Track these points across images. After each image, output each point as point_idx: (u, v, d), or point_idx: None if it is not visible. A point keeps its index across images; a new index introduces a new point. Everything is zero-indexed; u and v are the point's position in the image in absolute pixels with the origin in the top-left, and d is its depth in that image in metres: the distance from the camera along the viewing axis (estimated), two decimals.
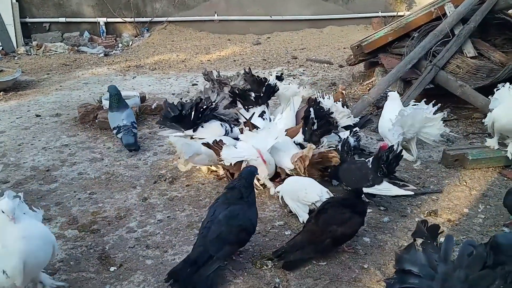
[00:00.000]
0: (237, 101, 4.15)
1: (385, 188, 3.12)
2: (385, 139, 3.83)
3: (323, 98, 3.86)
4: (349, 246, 2.70)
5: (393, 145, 3.22)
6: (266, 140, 3.39)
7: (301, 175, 3.24)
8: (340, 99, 4.01)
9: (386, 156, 3.12)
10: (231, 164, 3.29)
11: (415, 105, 3.79)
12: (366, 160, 3.25)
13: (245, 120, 3.92)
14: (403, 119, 3.64)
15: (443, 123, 3.73)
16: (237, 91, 4.08)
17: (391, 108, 3.86)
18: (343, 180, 3.30)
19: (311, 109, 3.53)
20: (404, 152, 3.54)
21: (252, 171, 2.65)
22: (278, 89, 4.06)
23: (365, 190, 2.91)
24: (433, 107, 3.71)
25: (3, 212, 2.09)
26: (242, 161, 3.29)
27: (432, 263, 1.79)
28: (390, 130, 3.67)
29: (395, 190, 3.11)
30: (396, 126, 3.64)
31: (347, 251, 2.66)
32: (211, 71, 4.47)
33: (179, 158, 3.52)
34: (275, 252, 2.60)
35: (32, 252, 2.13)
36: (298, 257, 2.55)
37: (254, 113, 4.02)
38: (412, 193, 3.12)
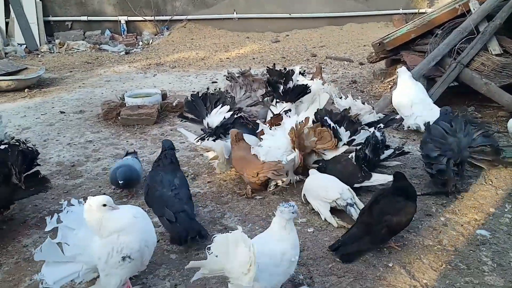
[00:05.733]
0: (270, 95, 4.17)
1: (376, 180, 3.17)
2: (398, 111, 4.46)
3: (340, 98, 3.90)
4: (397, 242, 2.67)
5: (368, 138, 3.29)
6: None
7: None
8: (319, 77, 4.43)
9: (363, 154, 3.20)
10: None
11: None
12: (350, 157, 3.30)
13: (273, 115, 3.91)
14: None
15: None
16: (272, 81, 4.07)
17: (404, 84, 4.46)
18: None
19: (326, 118, 3.46)
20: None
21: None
22: (309, 92, 3.96)
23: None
24: None
25: (104, 205, 2.10)
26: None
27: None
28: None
29: (385, 178, 3.16)
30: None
31: (394, 247, 2.63)
32: (232, 73, 4.56)
33: (217, 160, 3.54)
34: (332, 246, 2.63)
35: (148, 230, 2.26)
36: (355, 249, 2.57)
37: (289, 109, 3.95)
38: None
